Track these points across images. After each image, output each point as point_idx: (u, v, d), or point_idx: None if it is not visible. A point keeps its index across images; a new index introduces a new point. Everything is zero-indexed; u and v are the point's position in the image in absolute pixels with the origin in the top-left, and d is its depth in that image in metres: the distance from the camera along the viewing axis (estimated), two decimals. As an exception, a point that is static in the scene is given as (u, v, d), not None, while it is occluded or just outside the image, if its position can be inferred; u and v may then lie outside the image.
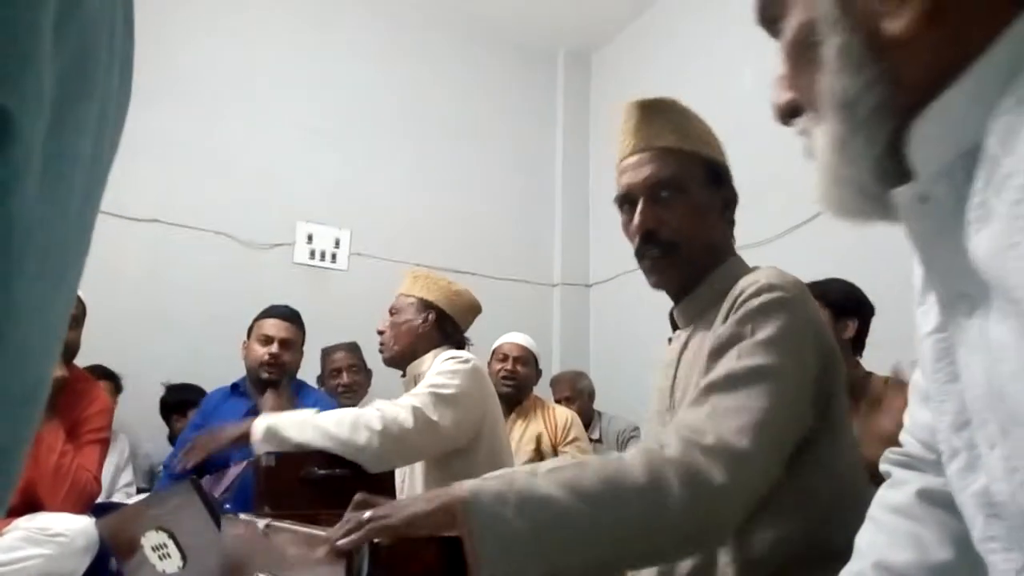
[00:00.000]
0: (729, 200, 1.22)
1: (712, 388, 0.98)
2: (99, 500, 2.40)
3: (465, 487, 0.90)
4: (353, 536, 0.87)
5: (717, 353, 1.03)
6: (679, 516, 0.89)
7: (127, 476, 3.18)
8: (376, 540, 0.89)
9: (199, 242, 3.69)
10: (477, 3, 4.51)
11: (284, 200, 3.94)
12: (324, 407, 2.57)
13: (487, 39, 4.76)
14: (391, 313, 2.18)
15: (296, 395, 2.63)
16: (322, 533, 0.94)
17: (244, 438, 1.77)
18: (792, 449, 0.99)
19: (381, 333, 2.17)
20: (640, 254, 1.19)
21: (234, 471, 1.75)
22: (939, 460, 0.66)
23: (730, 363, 0.99)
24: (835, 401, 1.06)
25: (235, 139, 3.89)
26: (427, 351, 2.10)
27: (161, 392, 3.41)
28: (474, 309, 2.25)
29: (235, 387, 2.70)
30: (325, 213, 4.04)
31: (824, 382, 1.04)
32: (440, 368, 1.95)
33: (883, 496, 0.83)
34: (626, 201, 1.22)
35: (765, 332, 1.00)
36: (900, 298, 2.55)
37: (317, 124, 4.12)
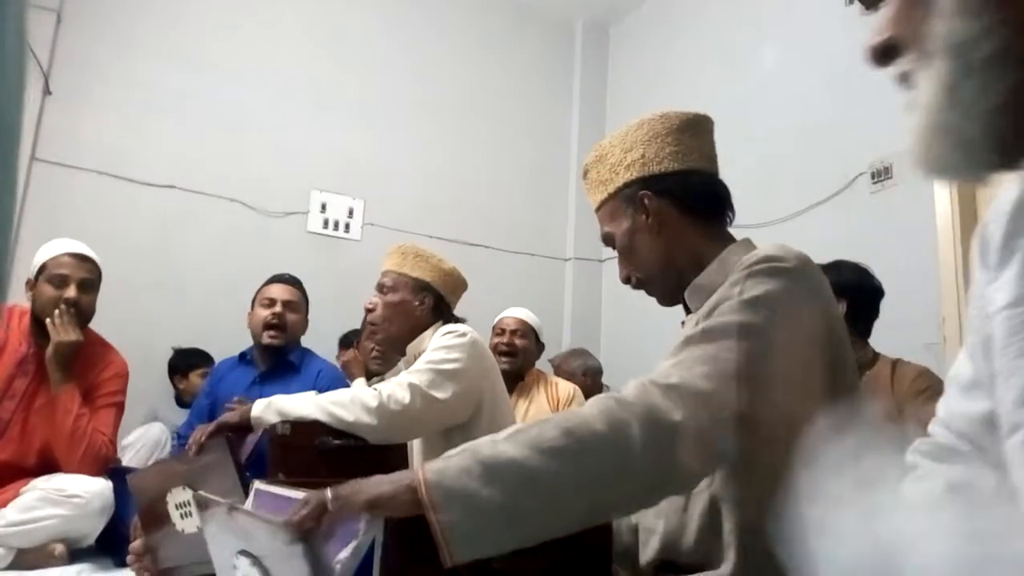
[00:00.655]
0: (646, 208, 1.21)
1: (687, 341, 0.98)
2: (122, 466, 2.44)
3: (428, 467, 0.89)
4: (304, 514, 0.85)
5: (704, 316, 1.03)
6: (643, 458, 0.88)
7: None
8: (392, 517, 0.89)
9: (214, 209, 3.69)
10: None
11: (299, 169, 3.94)
12: (328, 376, 2.60)
13: (506, 9, 4.72)
14: (382, 290, 2.10)
15: (301, 361, 2.66)
16: (279, 521, 0.92)
17: (244, 423, 1.76)
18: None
19: (371, 311, 2.09)
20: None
21: (252, 438, 1.77)
22: (973, 451, 0.65)
23: (710, 320, 1.00)
24: (841, 376, 1.05)
25: (251, 108, 3.88)
26: (424, 330, 2.07)
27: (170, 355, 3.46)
28: (463, 286, 2.21)
29: (243, 356, 2.75)
30: (339, 183, 4.04)
31: (829, 354, 1.03)
32: (438, 343, 1.94)
33: (910, 489, 0.82)
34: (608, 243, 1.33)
35: (751, 293, 1.00)
36: (918, 281, 2.54)
37: (333, 94, 4.11)
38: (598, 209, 1.30)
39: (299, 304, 2.71)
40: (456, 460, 0.89)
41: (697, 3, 4.14)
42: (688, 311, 1.26)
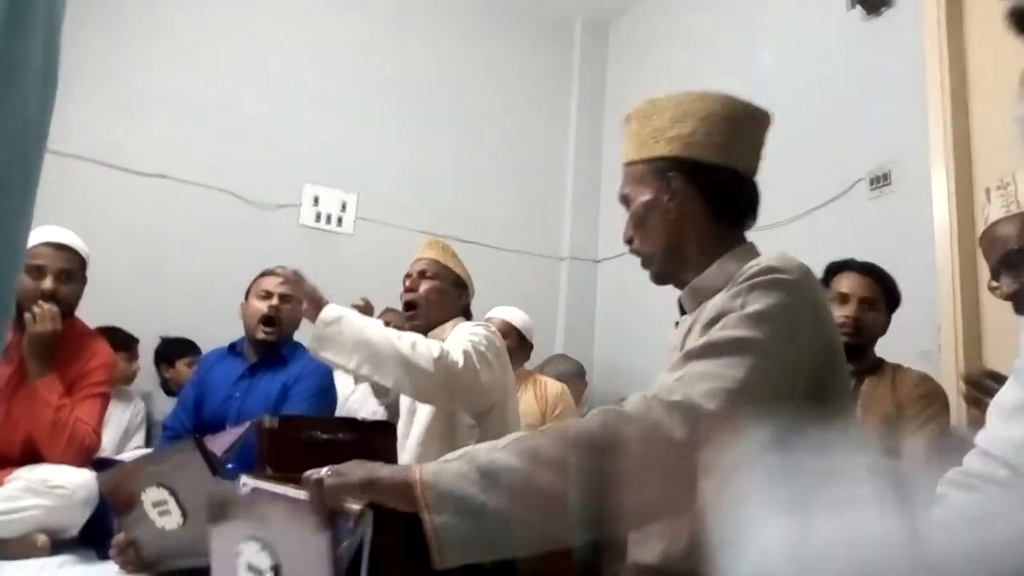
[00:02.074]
0: (674, 191, 1.19)
1: (690, 355, 0.98)
2: (106, 457, 2.41)
3: (427, 468, 0.88)
4: (314, 495, 0.89)
5: (707, 327, 1.03)
6: (640, 471, 0.87)
7: (139, 439, 3.20)
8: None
9: (205, 200, 3.66)
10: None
11: (292, 162, 3.90)
12: (316, 368, 2.57)
13: (503, 5, 4.69)
14: (423, 275, 2.17)
15: (291, 355, 2.62)
16: (303, 497, 0.92)
17: (315, 309, 1.87)
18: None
19: (412, 289, 2.15)
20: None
21: (236, 431, 1.75)
22: (1012, 476, 0.64)
23: (713, 333, 0.99)
24: (832, 391, 1.04)
25: (245, 99, 3.84)
26: (447, 321, 2.15)
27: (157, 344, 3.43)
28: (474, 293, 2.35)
29: (232, 347, 2.70)
30: (333, 176, 4.01)
31: (819, 369, 1.02)
32: (474, 330, 1.99)
33: (940, 518, 0.80)
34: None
35: (754, 307, 1.00)
36: (915, 287, 2.53)
37: (327, 87, 4.07)
38: (626, 164, 1.27)
39: (296, 298, 2.68)
40: (454, 464, 0.89)
41: (697, 3, 4.13)
42: (682, 311, 1.25)
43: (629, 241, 1.27)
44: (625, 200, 1.26)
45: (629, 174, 1.26)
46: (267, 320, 2.56)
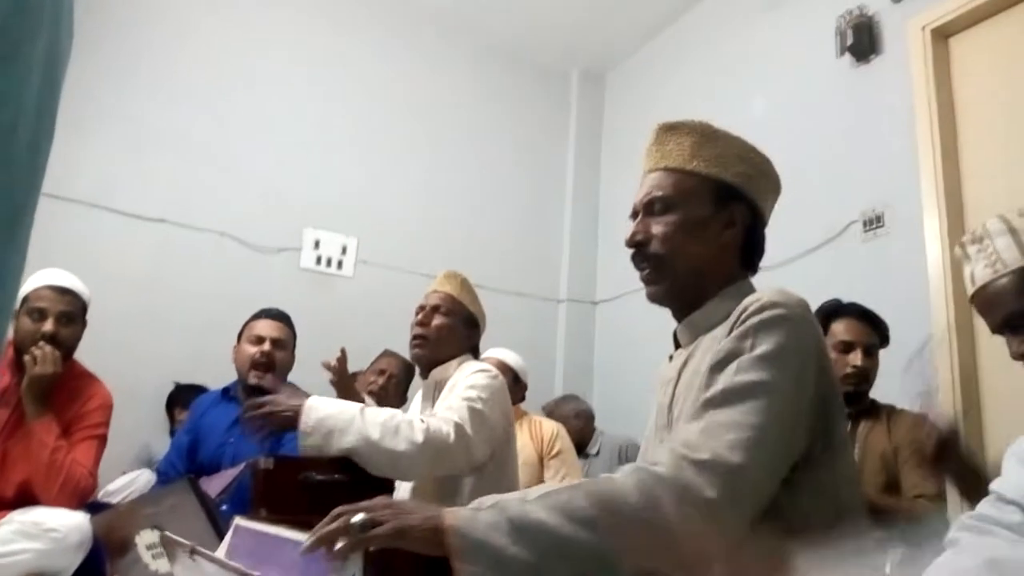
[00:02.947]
0: (733, 220, 1.21)
1: (709, 404, 0.98)
2: (100, 501, 2.39)
3: (459, 515, 0.89)
4: (345, 545, 0.88)
5: (716, 368, 1.03)
6: (674, 534, 0.88)
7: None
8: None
9: (205, 244, 3.69)
10: (493, 19, 4.53)
11: (292, 205, 3.94)
12: None
13: (502, 55, 4.78)
14: (436, 310, 2.11)
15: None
16: (301, 537, 0.92)
17: (293, 419, 1.73)
18: (788, 467, 0.98)
19: (424, 325, 2.10)
20: (635, 265, 1.25)
21: (231, 472, 1.74)
22: None
23: (727, 379, 1.00)
24: (835, 425, 1.05)
25: (245, 143, 3.90)
26: (453, 358, 2.11)
27: (170, 389, 3.42)
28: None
29: (225, 392, 2.69)
30: (333, 220, 4.04)
31: (824, 404, 1.03)
32: (474, 381, 1.93)
33: (950, 561, 0.80)
34: (634, 216, 1.27)
35: (763, 347, 1.00)
36: (909, 329, 2.54)
37: (328, 132, 4.13)
38: (669, 169, 1.23)
39: (287, 341, 2.66)
40: (485, 514, 0.89)
41: (690, 52, 4.21)
42: (676, 345, 1.26)
43: (644, 243, 1.22)
44: (659, 202, 1.22)
45: (671, 179, 1.23)
46: (258, 365, 2.55)
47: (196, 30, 3.88)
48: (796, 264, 3.09)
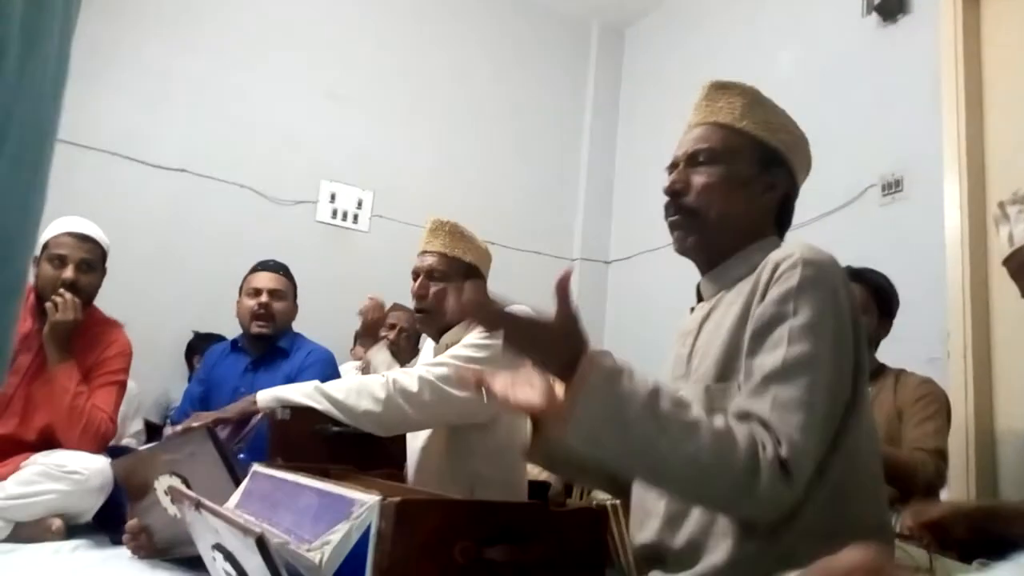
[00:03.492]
0: (775, 184, 1.22)
1: (770, 379, 0.99)
2: (122, 445, 2.44)
3: (604, 355, 0.95)
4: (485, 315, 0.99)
5: (761, 333, 1.03)
6: (752, 506, 0.93)
7: (136, 424, 3.26)
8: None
9: (223, 194, 3.71)
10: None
11: (310, 158, 3.95)
12: (317, 357, 2.58)
13: (522, 8, 4.71)
14: (429, 274, 2.04)
15: (291, 346, 2.64)
16: (316, 484, 0.92)
17: (242, 417, 1.77)
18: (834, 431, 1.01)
19: (423, 297, 2.03)
20: (667, 215, 1.24)
21: (254, 421, 1.77)
22: None
23: (782, 349, 1.00)
24: (861, 383, 1.06)
25: (264, 96, 3.89)
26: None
27: (189, 337, 3.50)
28: (491, 263, 2.21)
29: (235, 343, 2.73)
30: (349, 174, 4.05)
31: (857, 365, 1.04)
32: (472, 339, 1.89)
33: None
34: (672, 168, 1.26)
35: (808, 314, 1.01)
36: (924, 294, 2.54)
37: (347, 85, 4.12)
38: (715, 124, 1.24)
39: (286, 292, 2.68)
40: (633, 383, 0.94)
41: (711, 9, 4.13)
42: (700, 298, 1.26)
43: (682, 192, 1.21)
44: (705, 154, 1.21)
45: (718, 133, 1.22)
46: (258, 316, 2.58)
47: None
48: (813, 227, 3.06)
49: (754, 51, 3.66)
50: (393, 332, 3.20)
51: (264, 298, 2.61)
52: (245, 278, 2.72)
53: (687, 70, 4.17)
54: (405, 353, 3.16)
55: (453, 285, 2.03)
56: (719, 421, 0.95)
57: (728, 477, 0.92)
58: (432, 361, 1.87)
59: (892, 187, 2.84)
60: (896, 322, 2.18)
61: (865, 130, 3.00)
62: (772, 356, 1.00)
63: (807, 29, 3.41)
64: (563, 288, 0.96)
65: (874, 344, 2.14)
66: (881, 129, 2.94)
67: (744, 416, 0.98)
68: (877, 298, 2.12)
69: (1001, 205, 1.22)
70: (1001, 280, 2.49)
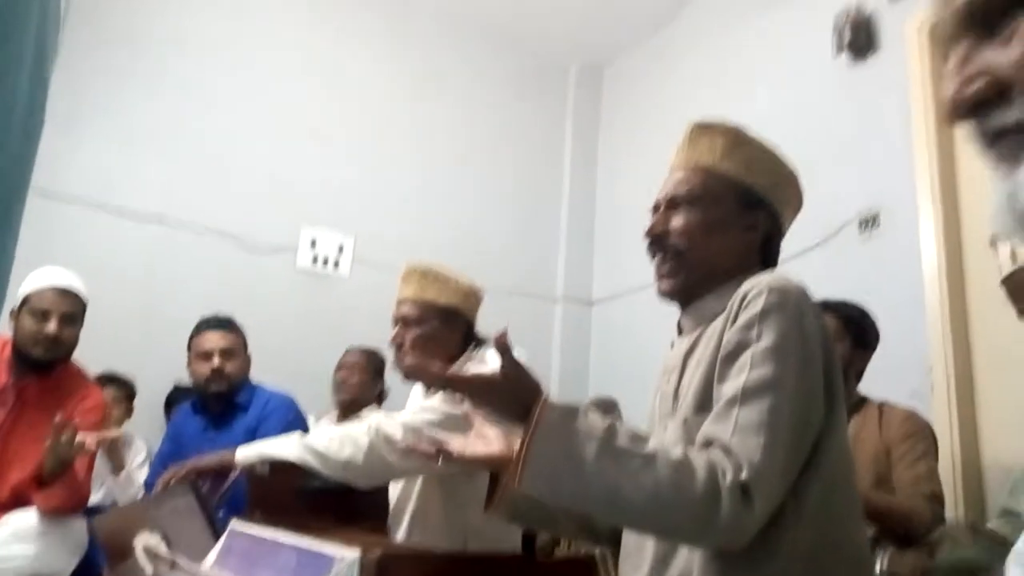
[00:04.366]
0: (755, 224, 1.22)
1: (733, 402, 1.00)
2: (96, 505, 2.38)
3: (558, 404, 0.97)
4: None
5: (729, 360, 1.04)
6: (710, 530, 0.92)
7: (141, 479, 3.17)
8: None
9: (201, 243, 3.68)
10: (491, 12, 4.52)
11: (289, 205, 3.94)
12: (277, 405, 2.55)
13: (500, 49, 4.77)
14: (404, 322, 1.97)
15: (250, 399, 2.60)
16: (295, 541, 0.91)
17: (222, 468, 1.74)
18: (807, 455, 1.01)
19: (399, 347, 1.96)
20: (651, 255, 1.25)
21: (232, 476, 1.74)
22: None
23: (745, 374, 1.01)
24: (835, 408, 1.06)
25: (242, 142, 3.89)
26: (454, 362, 1.95)
27: (169, 390, 3.43)
28: (481, 300, 2.11)
29: (193, 404, 2.69)
30: (329, 219, 4.04)
31: (828, 389, 1.05)
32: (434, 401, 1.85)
33: None
34: (655, 210, 1.28)
35: (771, 338, 1.01)
36: (905, 329, 2.54)
37: (324, 130, 4.13)
38: (695, 167, 1.24)
39: (235, 348, 2.63)
40: (587, 420, 0.96)
41: (688, 49, 4.21)
42: (680, 331, 1.26)
43: (663, 235, 1.22)
44: (684, 199, 1.22)
45: (703, 180, 1.23)
46: (211, 382, 2.55)
47: (191, 28, 3.88)
48: (792, 264, 3.06)
49: (730, 90, 3.73)
50: (351, 374, 3.20)
51: (216, 362, 2.55)
52: (192, 339, 2.66)
53: (665, 109, 4.23)
54: (366, 394, 3.18)
55: (429, 330, 1.96)
56: (677, 452, 0.95)
57: (688, 508, 0.91)
58: (421, 407, 1.85)
59: (869, 223, 2.87)
60: (878, 356, 2.17)
61: (841, 167, 3.04)
62: (735, 382, 1.01)
63: (782, 69, 3.48)
64: (502, 343, 1.00)
65: (856, 376, 2.13)
66: (857, 166, 2.98)
67: (707, 443, 0.98)
68: (850, 328, 2.11)
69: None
70: (981, 311, 2.51)
